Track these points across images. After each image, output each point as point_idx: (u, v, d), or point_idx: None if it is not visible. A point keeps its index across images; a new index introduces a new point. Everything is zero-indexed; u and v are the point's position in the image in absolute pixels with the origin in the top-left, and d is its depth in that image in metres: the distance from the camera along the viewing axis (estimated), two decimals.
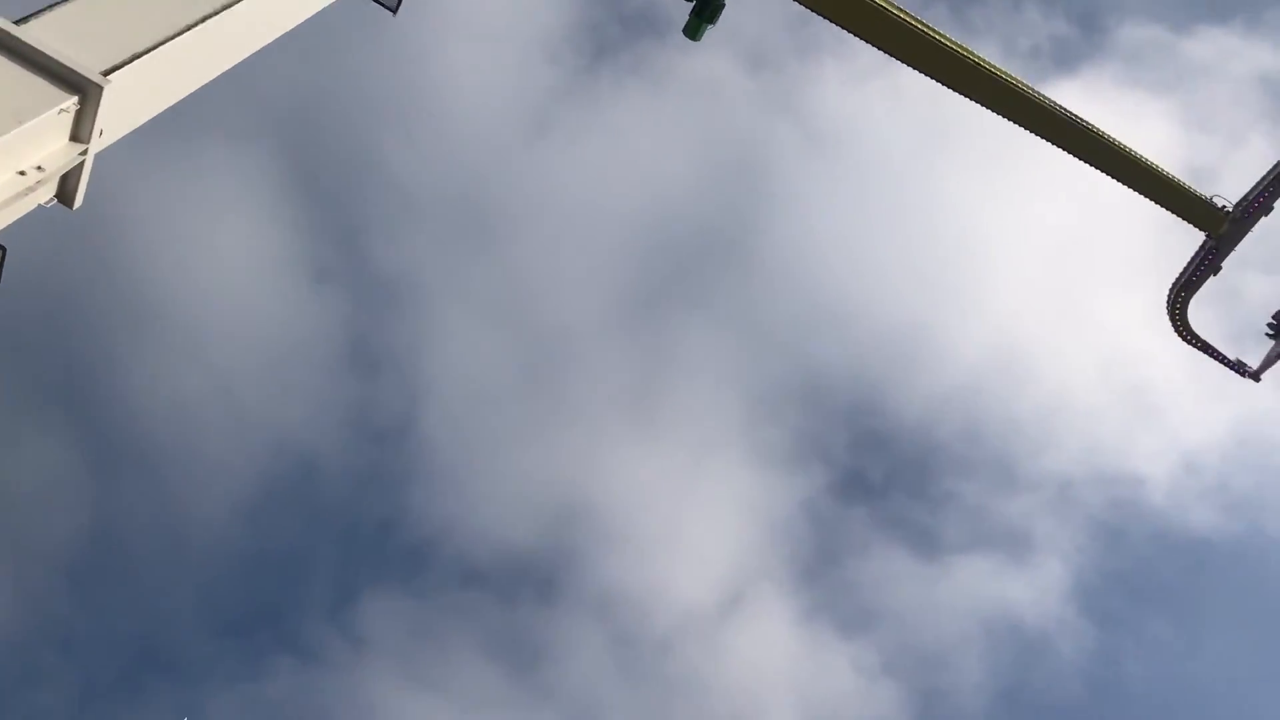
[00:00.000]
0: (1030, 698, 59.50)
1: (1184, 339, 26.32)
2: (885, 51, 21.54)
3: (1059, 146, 23.75)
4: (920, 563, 63.72)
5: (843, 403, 63.48)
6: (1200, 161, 58.69)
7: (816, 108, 64.54)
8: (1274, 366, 26.42)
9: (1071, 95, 59.00)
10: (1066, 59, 68.86)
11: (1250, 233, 25.07)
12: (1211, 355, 26.46)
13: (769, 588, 63.08)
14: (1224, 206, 24.71)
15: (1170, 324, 26.27)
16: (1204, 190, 25.01)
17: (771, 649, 61.10)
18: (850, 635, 63.32)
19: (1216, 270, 25.41)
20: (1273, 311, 25.89)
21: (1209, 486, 58.06)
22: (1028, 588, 59.91)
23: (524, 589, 62.30)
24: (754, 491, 63.82)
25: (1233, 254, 25.58)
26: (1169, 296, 26.10)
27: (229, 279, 58.64)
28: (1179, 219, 25.14)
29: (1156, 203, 24.75)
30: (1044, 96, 22.87)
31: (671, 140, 64.12)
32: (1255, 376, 26.46)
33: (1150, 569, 61.73)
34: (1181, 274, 25.76)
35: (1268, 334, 25.82)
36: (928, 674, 59.51)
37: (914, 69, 22.25)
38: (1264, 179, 24.38)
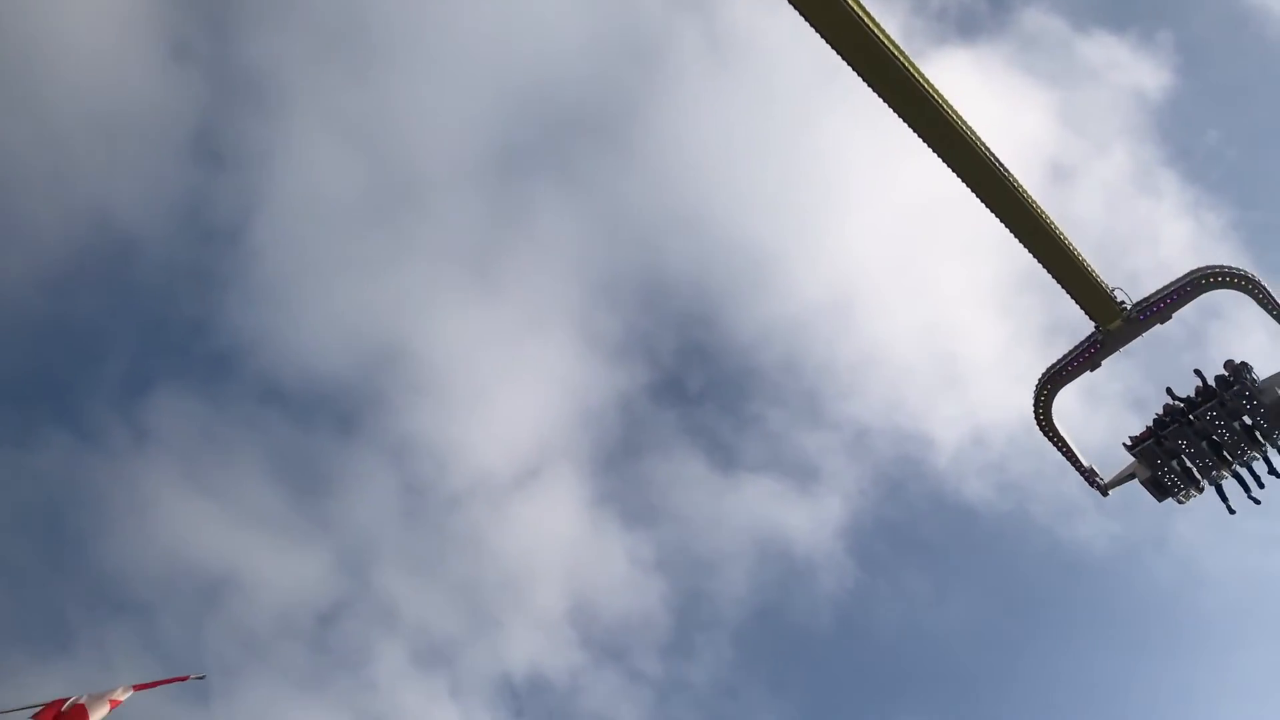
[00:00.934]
0: (783, 619, 61.40)
1: (1042, 429, 24.28)
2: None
3: (972, 189, 21.44)
4: (714, 474, 64.49)
5: (679, 309, 63.18)
6: (1065, 160, 60.47)
7: (726, 13, 62.01)
8: (1123, 486, 24.61)
9: (963, 65, 60.02)
10: (969, 28, 68.61)
11: (1140, 338, 23.15)
12: (1065, 454, 24.49)
13: (567, 468, 63.37)
14: (1123, 303, 22.72)
15: (1033, 410, 24.18)
16: (1109, 280, 23.04)
17: (556, 526, 62.42)
18: (633, 527, 64.55)
19: (1095, 366, 23.39)
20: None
21: (989, 462, 58.95)
22: (805, 518, 61.57)
23: (324, 418, 60.68)
24: (574, 375, 63.52)
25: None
26: (1039, 381, 24.01)
27: (78, 27, 53.39)
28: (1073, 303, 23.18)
29: (1053, 274, 22.55)
30: (979, 141, 20.44)
31: (572, 3, 60.88)
32: (1103, 491, 24.62)
33: (919, 525, 63.40)
34: (1058, 361, 23.68)
35: (1126, 445, 23.94)
36: (695, 577, 61.49)
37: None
38: (1168, 286, 22.42)
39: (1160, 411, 23.52)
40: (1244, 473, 23.50)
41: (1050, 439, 24.35)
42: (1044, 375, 23.91)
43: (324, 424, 60.78)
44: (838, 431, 62.47)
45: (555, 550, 62.22)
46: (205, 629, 54.07)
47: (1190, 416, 22.90)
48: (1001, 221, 21.77)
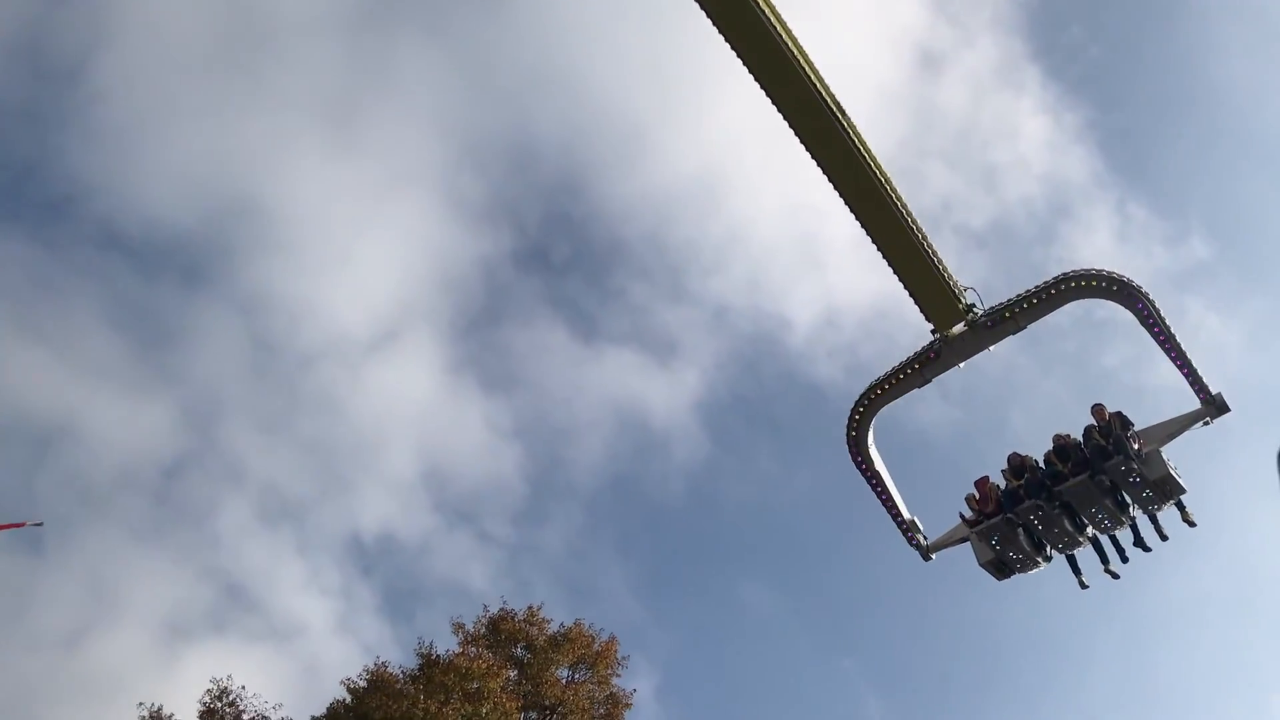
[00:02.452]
0: (636, 488, 62.15)
1: (855, 459, 18.71)
2: None
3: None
4: (576, 344, 65.16)
5: (548, 177, 61.71)
6: (935, 48, 61.05)
7: None
8: (947, 549, 19.04)
9: None
10: None
11: (986, 351, 17.68)
12: (881, 498, 18.90)
13: (426, 331, 62.83)
14: (973, 305, 17.30)
15: (846, 433, 18.60)
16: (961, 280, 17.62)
17: (412, 389, 60.65)
18: (491, 394, 65.20)
19: (925, 381, 17.90)
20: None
21: (840, 344, 59.81)
22: (663, 390, 62.89)
23: (168, 268, 59.28)
24: (435, 237, 62.38)
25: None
26: (858, 398, 18.46)
27: None
28: (908, 296, 17.66)
29: (888, 259, 17.16)
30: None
31: None
32: (925, 554, 18.99)
33: (770, 402, 63.64)
34: (885, 375, 18.15)
35: (964, 518, 18.36)
36: (553, 444, 61.73)
37: None
38: (1029, 291, 17.03)
39: (1005, 468, 18.00)
40: (1105, 540, 18.10)
41: (864, 473, 18.76)
42: (868, 390, 18.39)
43: (169, 274, 59.67)
44: (699, 308, 64.13)
45: (411, 414, 61.60)
46: (38, 479, 52.89)
47: (1052, 490, 17.34)
48: (823, 171, 16.42)
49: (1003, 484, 17.85)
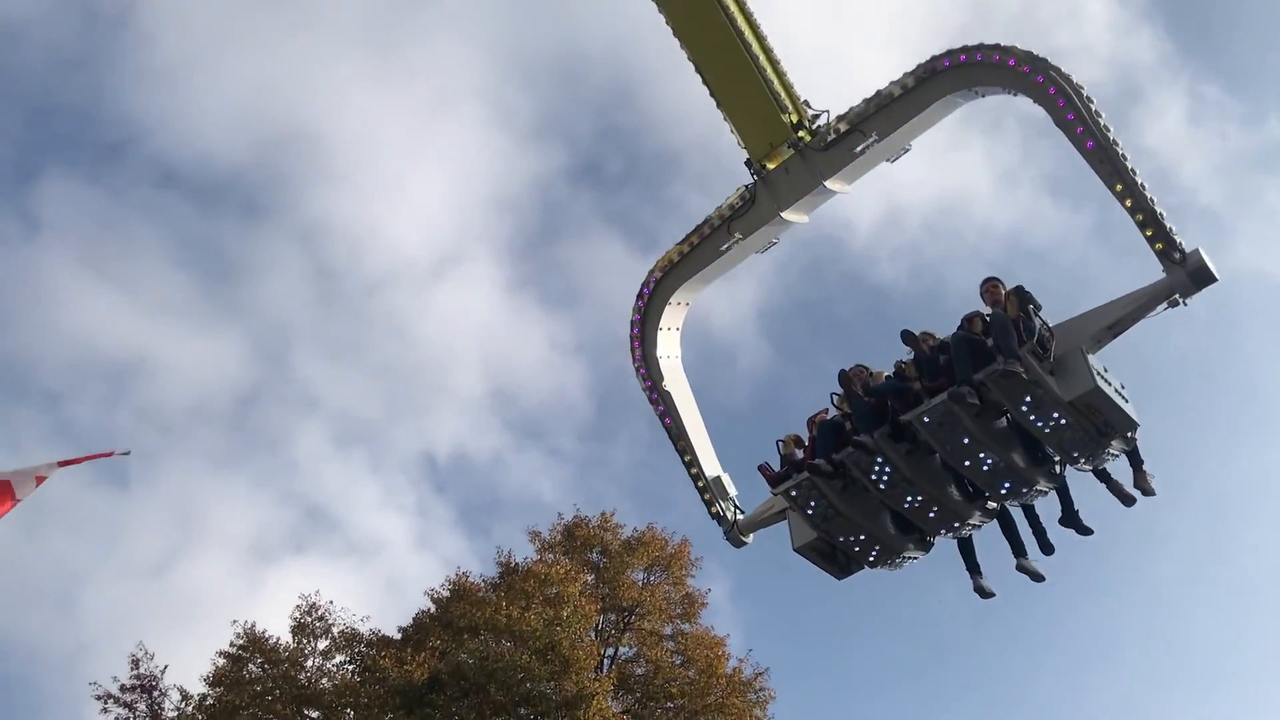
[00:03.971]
0: (700, 398, 55.33)
1: (638, 373, 12.29)
2: None
3: None
4: (634, 258, 63.06)
5: (598, 89, 59.09)
6: None
7: None
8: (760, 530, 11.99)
9: None
10: None
11: (831, 197, 11.49)
12: (672, 435, 12.24)
13: (485, 253, 62.42)
14: (816, 121, 11.29)
15: (629, 330, 12.33)
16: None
17: (475, 311, 61.20)
18: (553, 311, 64.18)
19: (733, 241, 11.67)
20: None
21: (903, 245, 56.57)
22: (722, 300, 57.67)
23: (227, 202, 58.71)
24: (489, 157, 61.13)
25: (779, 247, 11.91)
26: (645, 279, 12.32)
27: None
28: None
29: (685, 48, 11.57)
30: None
31: None
32: (736, 537, 11.88)
33: (832, 306, 61.10)
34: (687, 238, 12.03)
35: (763, 473, 11.37)
36: (616, 359, 52.70)
37: None
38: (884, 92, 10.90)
39: (836, 399, 11.22)
40: (1017, 513, 10.97)
41: (649, 396, 12.26)
42: (652, 267, 12.27)
43: (227, 209, 59.19)
44: None
45: (476, 335, 61.66)
46: (118, 415, 52.97)
47: (897, 421, 10.44)
48: None
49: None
